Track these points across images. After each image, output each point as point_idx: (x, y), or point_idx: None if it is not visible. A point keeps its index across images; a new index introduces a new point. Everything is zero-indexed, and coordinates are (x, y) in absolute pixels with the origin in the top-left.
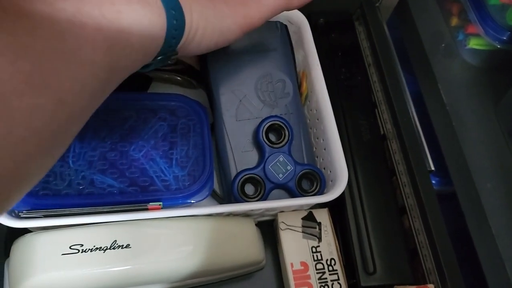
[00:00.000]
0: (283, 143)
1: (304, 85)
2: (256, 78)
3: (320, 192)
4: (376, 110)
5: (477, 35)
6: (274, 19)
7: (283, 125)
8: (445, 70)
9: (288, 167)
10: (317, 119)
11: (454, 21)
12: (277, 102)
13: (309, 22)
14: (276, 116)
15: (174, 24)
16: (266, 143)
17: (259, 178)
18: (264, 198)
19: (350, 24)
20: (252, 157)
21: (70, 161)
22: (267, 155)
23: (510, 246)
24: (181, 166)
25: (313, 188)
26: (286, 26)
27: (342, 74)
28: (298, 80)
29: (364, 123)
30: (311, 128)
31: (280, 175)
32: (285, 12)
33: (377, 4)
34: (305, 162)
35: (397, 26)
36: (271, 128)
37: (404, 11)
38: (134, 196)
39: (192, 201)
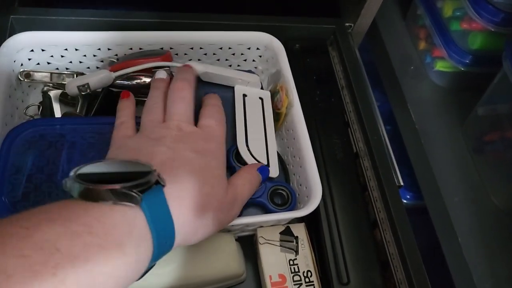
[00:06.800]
0: None
1: (284, 98)
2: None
3: (292, 205)
4: (349, 129)
5: (443, 58)
6: (252, 44)
7: None
8: (414, 91)
9: None
10: (294, 139)
11: (422, 45)
12: None
13: (286, 48)
14: None
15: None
16: (236, 164)
17: None
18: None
19: (324, 49)
20: None
21: (58, 180)
22: None
23: (476, 255)
24: None
25: (285, 202)
26: None
27: (317, 96)
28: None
29: (338, 142)
30: (288, 147)
31: None
32: (263, 39)
33: (349, 31)
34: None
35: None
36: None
37: (375, 36)
38: None
39: None
